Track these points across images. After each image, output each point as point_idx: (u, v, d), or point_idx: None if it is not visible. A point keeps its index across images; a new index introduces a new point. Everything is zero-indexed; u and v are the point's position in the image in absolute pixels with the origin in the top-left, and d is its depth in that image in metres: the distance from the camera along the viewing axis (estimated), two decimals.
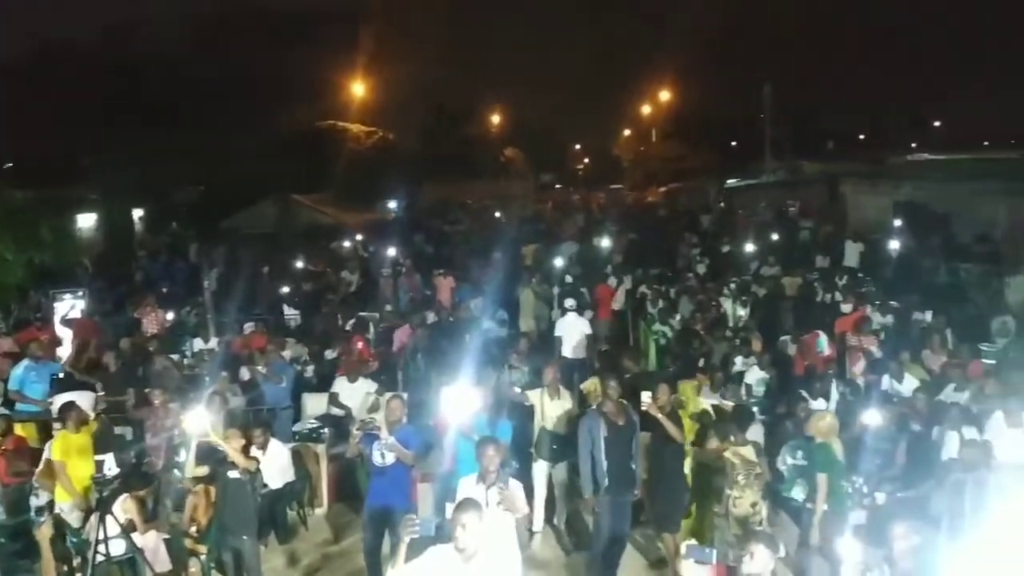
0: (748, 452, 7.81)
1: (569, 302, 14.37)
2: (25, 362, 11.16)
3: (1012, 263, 16.21)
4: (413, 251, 24.38)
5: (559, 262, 19.57)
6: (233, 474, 7.51)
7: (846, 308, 14.21)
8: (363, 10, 47.25)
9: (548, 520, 9.27)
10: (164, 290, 18.81)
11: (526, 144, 63.64)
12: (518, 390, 9.56)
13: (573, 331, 13.65)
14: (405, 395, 8.84)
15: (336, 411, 10.70)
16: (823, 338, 12.12)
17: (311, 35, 43.76)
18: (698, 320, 14.42)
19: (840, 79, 63.59)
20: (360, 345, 12.57)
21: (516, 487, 6.39)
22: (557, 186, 62.65)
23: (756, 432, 9.00)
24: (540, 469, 8.99)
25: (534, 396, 9.25)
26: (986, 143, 46.90)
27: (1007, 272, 15.67)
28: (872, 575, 4.27)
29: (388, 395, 9.22)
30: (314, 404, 11.17)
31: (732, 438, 7.86)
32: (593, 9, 68.79)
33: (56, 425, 9.30)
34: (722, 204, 24.22)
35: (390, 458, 7.64)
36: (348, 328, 14.20)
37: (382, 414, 8.26)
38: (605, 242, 23.95)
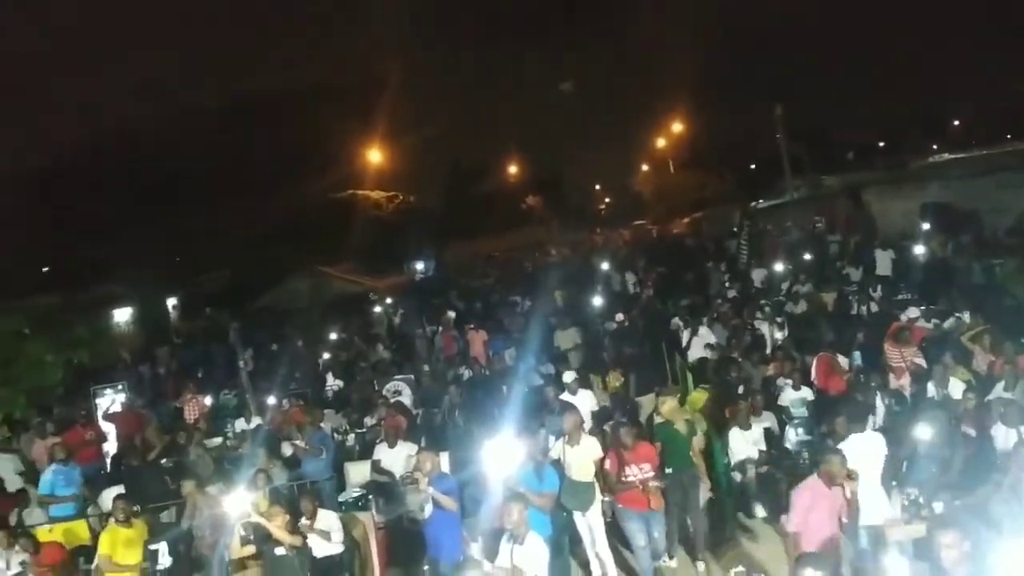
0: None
1: (568, 375, 12.25)
2: (52, 466, 11.14)
3: None
4: (446, 308, 24.37)
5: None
6: (279, 551, 7.49)
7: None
8: (369, 80, 48.15)
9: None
10: (200, 376, 18.99)
11: (545, 190, 63.93)
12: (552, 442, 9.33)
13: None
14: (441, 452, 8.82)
15: (380, 478, 10.63)
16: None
17: (319, 111, 44.71)
18: (734, 347, 14.27)
19: (851, 90, 63.05)
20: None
21: (533, 544, 6.35)
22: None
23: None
24: (577, 517, 8.67)
25: (556, 447, 8.92)
26: (1008, 135, 45.92)
27: None
28: None
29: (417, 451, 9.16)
30: (357, 473, 11.09)
31: None
32: (594, 50, 69.36)
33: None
34: (746, 226, 23.92)
35: (429, 509, 7.80)
36: (384, 394, 14.18)
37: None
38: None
